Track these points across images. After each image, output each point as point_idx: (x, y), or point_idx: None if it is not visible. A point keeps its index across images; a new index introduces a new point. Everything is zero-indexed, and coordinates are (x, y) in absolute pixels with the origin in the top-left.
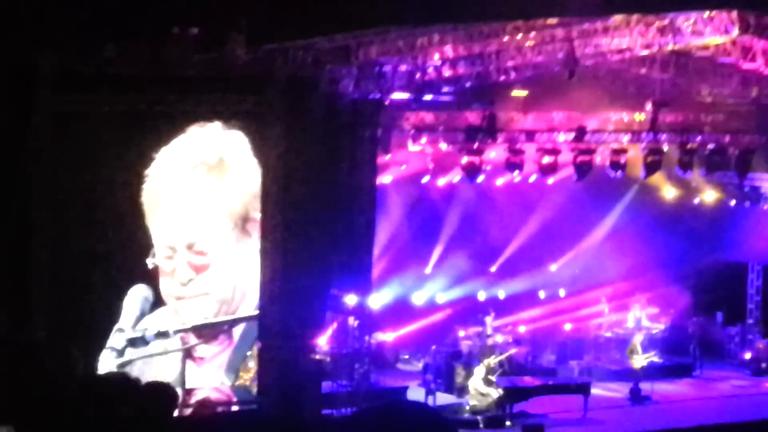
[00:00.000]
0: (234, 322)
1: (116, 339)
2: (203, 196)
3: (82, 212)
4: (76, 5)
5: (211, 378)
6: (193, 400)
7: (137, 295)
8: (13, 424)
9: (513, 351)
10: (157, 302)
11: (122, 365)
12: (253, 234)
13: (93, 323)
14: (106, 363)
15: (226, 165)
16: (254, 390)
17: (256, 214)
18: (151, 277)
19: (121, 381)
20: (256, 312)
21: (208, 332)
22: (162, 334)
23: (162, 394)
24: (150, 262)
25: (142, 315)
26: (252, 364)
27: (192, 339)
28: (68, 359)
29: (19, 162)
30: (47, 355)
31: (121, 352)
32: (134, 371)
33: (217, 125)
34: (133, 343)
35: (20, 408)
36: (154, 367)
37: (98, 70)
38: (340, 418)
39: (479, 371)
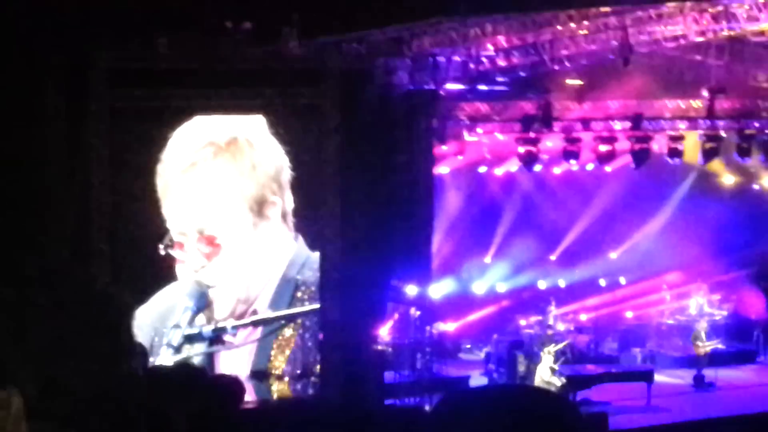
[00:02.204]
0: (293, 316)
1: (173, 335)
2: (212, 178)
3: (139, 206)
4: (129, 0)
5: (241, 365)
6: None
7: (193, 289)
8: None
9: (570, 340)
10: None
11: (187, 364)
12: (272, 218)
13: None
14: (164, 360)
15: (238, 146)
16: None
17: (275, 198)
18: None
19: (191, 373)
20: (317, 306)
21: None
22: (219, 330)
23: (229, 386)
24: (161, 250)
25: (198, 311)
26: (286, 351)
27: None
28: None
29: (77, 158)
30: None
31: (177, 349)
32: None
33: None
34: (190, 339)
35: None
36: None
37: (152, 65)
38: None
39: (545, 360)
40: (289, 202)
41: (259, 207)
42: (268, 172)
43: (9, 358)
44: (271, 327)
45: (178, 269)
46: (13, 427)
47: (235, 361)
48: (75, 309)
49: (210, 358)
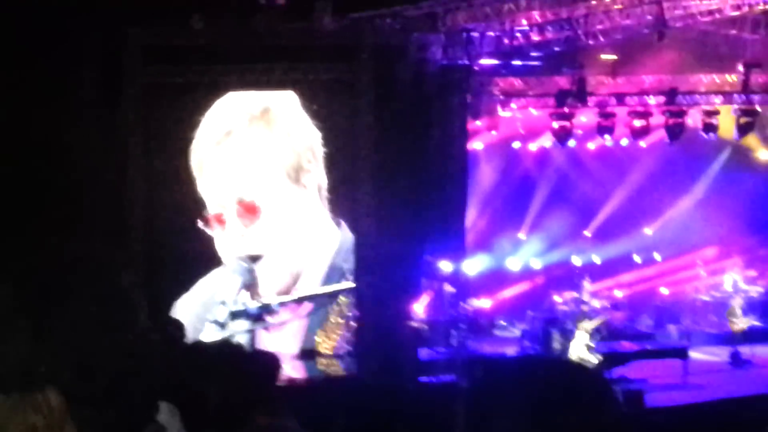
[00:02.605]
0: (337, 293)
1: (219, 312)
2: (248, 145)
3: (174, 184)
4: None
5: (287, 355)
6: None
7: (238, 266)
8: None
9: (606, 317)
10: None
11: (225, 339)
12: (309, 187)
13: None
14: (209, 337)
15: (272, 115)
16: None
17: (311, 166)
18: None
19: (229, 349)
20: (352, 284)
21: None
22: (265, 307)
23: (266, 361)
24: (200, 224)
25: (244, 287)
26: (338, 332)
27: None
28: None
29: (113, 134)
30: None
31: (223, 326)
32: None
33: None
34: (235, 316)
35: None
36: (247, 341)
37: (187, 43)
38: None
39: (580, 337)
40: (322, 177)
41: (296, 174)
42: (302, 140)
43: (41, 352)
44: (316, 304)
45: (219, 248)
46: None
47: (283, 340)
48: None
49: (256, 336)
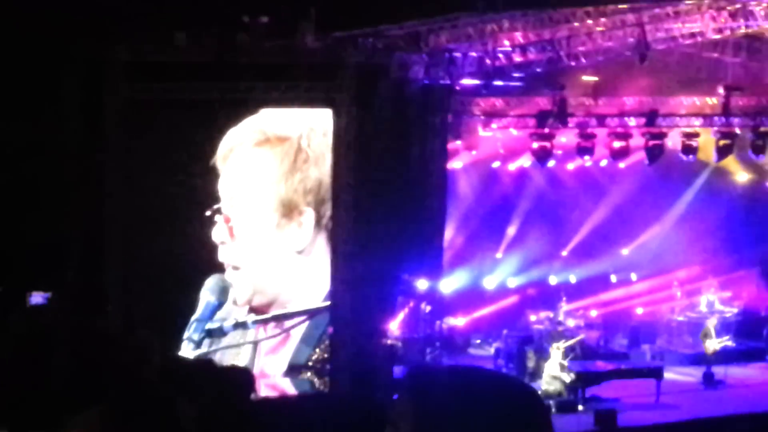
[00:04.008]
0: (313, 312)
1: (194, 329)
2: (246, 164)
3: (155, 201)
4: None
5: (277, 371)
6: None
7: (214, 285)
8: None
9: (581, 336)
10: None
11: (200, 357)
12: (304, 224)
13: (170, 314)
14: (184, 355)
15: (287, 145)
16: (315, 381)
17: (307, 209)
18: None
19: (202, 365)
20: (328, 303)
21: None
22: (240, 325)
23: (240, 377)
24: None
25: (219, 305)
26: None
27: (251, 334)
28: (144, 346)
29: (93, 150)
30: (123, 343)
31: (198, 344)
32: None
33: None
34: (210, 333)
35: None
36: (228, 359)
37: (169, 60)
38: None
39: (555, 356)
40: (324, 213)
41: (287, 211)
42: (307, 182)
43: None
44: (292, 323)
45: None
46: None
47: (270, 357)
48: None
49: (253, 353)
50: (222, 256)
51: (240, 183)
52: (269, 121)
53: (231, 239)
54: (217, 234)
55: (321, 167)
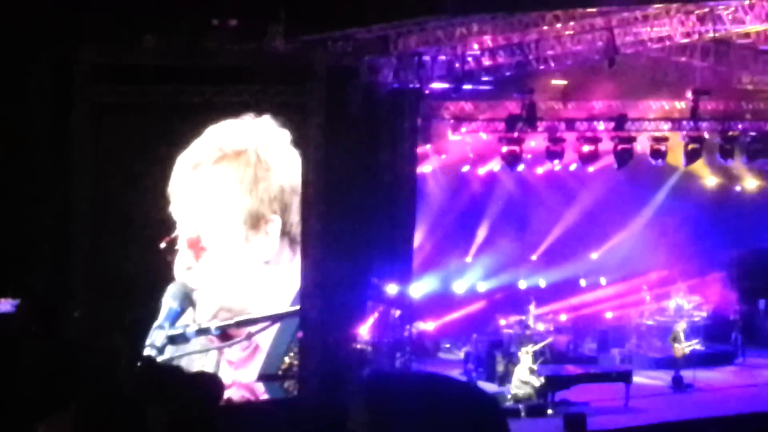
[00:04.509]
0: (277, 317)
1: (157, 336)
2: (210, 182)
3: (120, 204)
4: None
5: (245, 380)
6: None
7: (177, 291)
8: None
9: (550, 340)
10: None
11: (167, 363)
12: (271, 234)
13: (134, 318)
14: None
15: (245, 157)
16: (287, 387)
17: (274, 217)
18: None
19: (172, 372)
20: (297, 307)
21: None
22: (203, 331)
23: (209, 384)
24: (162, 244)
25: (182, 311)
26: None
27: (216, 341)
28: (111, 350)
29: (60, 153)
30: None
31: (161, 350)
32: None
33: (262, 118)
34: (173, 340)
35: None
36: (192, 365)
37: (137, 62)
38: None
39: (524, 360)
40: (296, 225)
41: (254, 221)
42: (271, 190)
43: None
44: (256, 328)
45: (175, 270)
46: None
47: (244, 363)
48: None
49: (215, 360)
50: (188, 281)
51: (205, 203)
52: (222, 137)
53: (196, 262)
54: (181, 261)
55: (281, 174)
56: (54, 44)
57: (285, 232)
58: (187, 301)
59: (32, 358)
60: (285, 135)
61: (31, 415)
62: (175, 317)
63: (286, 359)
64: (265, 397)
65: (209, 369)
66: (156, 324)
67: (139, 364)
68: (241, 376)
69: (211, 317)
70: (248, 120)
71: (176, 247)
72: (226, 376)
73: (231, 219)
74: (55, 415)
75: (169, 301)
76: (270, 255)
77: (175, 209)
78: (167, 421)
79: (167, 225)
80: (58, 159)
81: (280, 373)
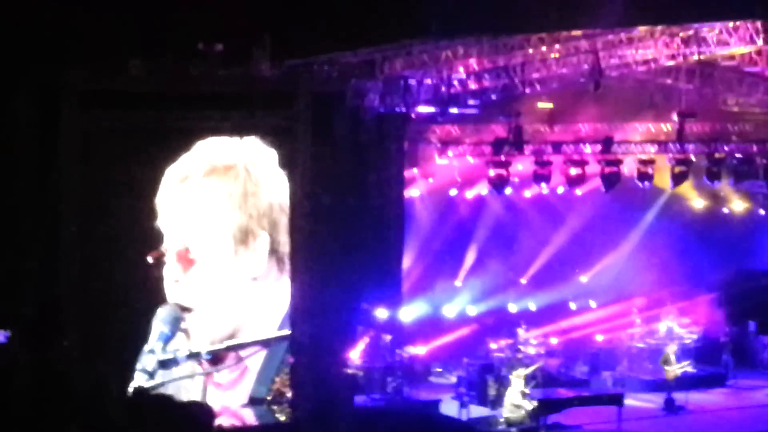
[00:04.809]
0: (267, 342)
1: (147, 360)
2: (200, 195)
3: (110, 228)
4: (101, 22)
5: (234, 405)
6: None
7: (167, 315)
8: None
9: (541, 363)
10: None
11: (153, 388)
12: (259, 250)
13: (125, 343)
14: (138, 385)
15: (234, 171)
16: (276, 412)
17: (262, 233)
18: None
19: (162, 400)
20: (288, 332)
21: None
22: (194, 356)
23: (199, 412)
24: (150, 258)
25: (172, 336)
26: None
27: (205, 365)
28: (101, 378)
29: (49, 178)
30: (80, 374)
31: (152, 374)
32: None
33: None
34: (164, 365)
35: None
36: (180, 390)
37: (125, 87)
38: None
39: (516, 383)
40: (286, 244)
41: (243, 236)
42: (260, 205)
43: None
44: (247, 353)
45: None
46: None
47: (232, 388)
48: None
49: (202, 384)
50: (175, 295)
51: (195, 215)
52: (212, 151)
53: (184, 275)
54: (169, 272)
55: (269, 191)
56: (40, 68)
57: (273, 250)
58: (177, 324)
59: (22, 388)
60: (273, 154)
61: None
62: (165, 341)
63: (276, 381)
64: (250, 419)
65: (196, 393)
66: (146, 348)
67: (129, 393)
68: (229, 398)
69: (204, 339)
70: (236, 138)
71: (164, 259)
72: (213, 400)
73: (220, 232)
74: None
75: (159, 325)
76: (258, 272)
77: (162, 222)
78: None
79: (155, 246)
80: (45, 186)
81: (269, 397)
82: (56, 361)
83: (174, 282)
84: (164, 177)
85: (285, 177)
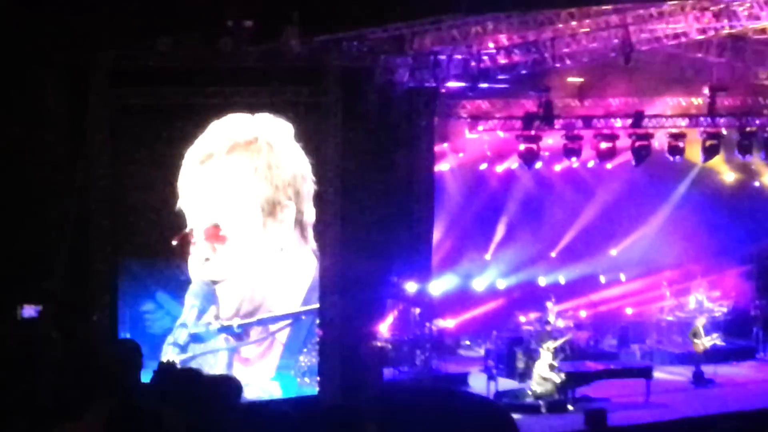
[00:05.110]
0: (298, 315)
1: (179, 334)
2: (226, 172)
3: (140, 205)
4: (130, 1)
5: (261, 378)
6: None
7: (199, 289)
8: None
9: (570, 336)
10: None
11: (185, 361)
12: (285, 221)
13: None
14: (169, 359)
15: (257, 145)
16: (305, 384)
17: (289, 203)
18: None
19: (190, 375)
20: (317, 305)
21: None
22: (225, 329)
23: (228, 387)
24: (174, 241)
25: (204, 310)
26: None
27: (234, 338)
28: (130, 353)
29: (79, 156)
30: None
31: (184, 348)
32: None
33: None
34: (196, 338)
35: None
36: (206, 364)
37: (154, 64)
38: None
39: (544, 356)
40: (309, 213)
41: (271, 208)
42: (284, 176)
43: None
44: (277, 326)
45: (189, 267)
46: None
47: (259, 361)
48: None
49: (227, 358)
50: (206, 273)
51: (222, 192)
52: (231, 129)
53: (214, 253)
54: (198, 253)
55: (291, 162)
56: (69, 49)
57: (297, 220)
58: (209, 298)
59: (52, 361)
60: (288, 128)
61: (51, 418)
62: (198, 315)
63: (304, 353)
64: (277, 393)
65: (221, 367)
66: (178, 322)
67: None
68: (257, 371)
69: (233, 312)
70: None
71: (193, 240)
72: (240, 373)
73: (249, 206)
74: (71, 420)
75: (191, 299)
76: (286, 242)
77: (186, 203)
78: (185, 426)
79: (181, 221)
80: (75, 164)
81: (298, 367)
82: (85, 335)
83: (204, 261)
84: (183, 160)
85: (301, 150)
